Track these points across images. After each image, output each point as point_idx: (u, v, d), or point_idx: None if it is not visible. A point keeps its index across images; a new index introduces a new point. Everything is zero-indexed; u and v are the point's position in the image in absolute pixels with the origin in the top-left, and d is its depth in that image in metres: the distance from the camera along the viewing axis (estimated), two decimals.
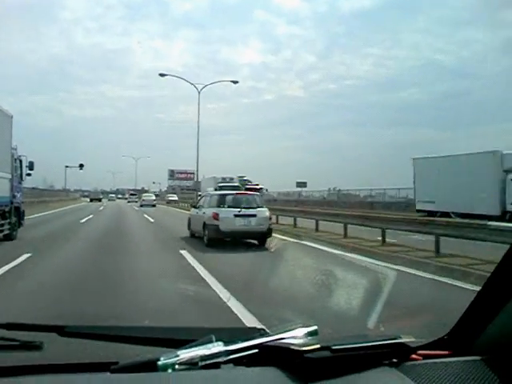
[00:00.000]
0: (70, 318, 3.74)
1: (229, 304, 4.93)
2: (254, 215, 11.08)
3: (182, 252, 9.58)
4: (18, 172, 13.53)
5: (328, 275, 6.39)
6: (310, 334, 1.20)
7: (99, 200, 61.80)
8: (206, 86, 36.72)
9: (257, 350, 1.10)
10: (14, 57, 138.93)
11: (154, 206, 42.98)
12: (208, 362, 1.06)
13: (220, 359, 1.07)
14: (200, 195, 40.08)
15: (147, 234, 15.17)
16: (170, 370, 1.03)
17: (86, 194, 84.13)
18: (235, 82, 37.12)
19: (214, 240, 10.86)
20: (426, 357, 1.18)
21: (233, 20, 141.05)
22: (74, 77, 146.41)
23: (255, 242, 11.19)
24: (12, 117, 12.49)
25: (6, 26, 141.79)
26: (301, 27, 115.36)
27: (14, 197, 12.53)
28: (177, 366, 1.04)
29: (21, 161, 13.85)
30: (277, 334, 1.18)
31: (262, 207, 11.73)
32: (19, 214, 13.51)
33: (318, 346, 1.07)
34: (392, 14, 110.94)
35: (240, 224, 10.90)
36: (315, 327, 1.23)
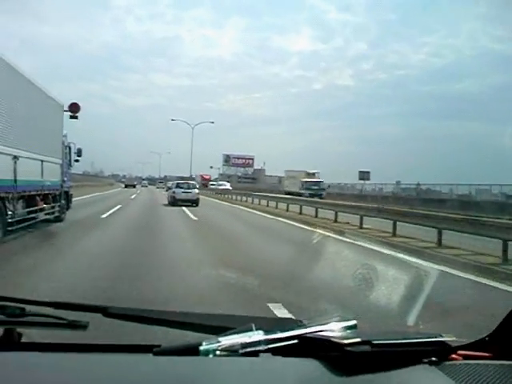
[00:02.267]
0: (115, 299, 3.91)
1: None
2: (191, 192, 24.61)
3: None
4: (68, 158, 14.17)
5: None
6: (349, 327, 1.20)
7: (133, 186, 63.15)
8: (197, 124, 54.69)
9: (296, 341, 1.11)
10: (68, 45, 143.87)
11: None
12: (248, 349, 1.07)
13: (259, 347, 1.08)
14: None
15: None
16: (211, 356, 1.05)
17: (122, 180, 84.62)
18: (212, 122, 58.53)
19: (173, 203, 23.59)
20: (466, 357, 1.16)
21: (283, 7, 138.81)
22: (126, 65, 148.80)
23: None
24: (63, 106, 13.04)
25: (58, 14, 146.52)
26: (352, 14, 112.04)
27: (63, 181, 13.14)
28: (218, 352, 1.06)
29: (70, 148, 14.47)
30: (315, 326, 1.19)
31: (194, 188, 25.49)
32: (68, 197, 14.23)
33: (359, 339, 1.06)
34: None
35: (184, 195, 24.22)
36: (354, 321, 1.22)
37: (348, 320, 1.23)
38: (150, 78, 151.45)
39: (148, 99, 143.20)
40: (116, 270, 6.27)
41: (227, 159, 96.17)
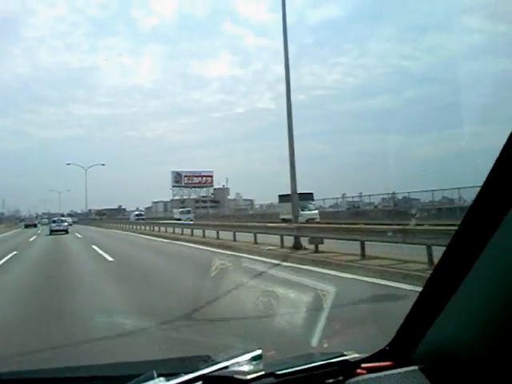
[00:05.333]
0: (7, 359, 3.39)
1: None
2: (62, 225, 34.75)
3: None
4: None
5: None
6: (254, 358, 1.18)
7: (35, 226, 57.79)
8: (91, 166, 55.83)
9: (201, 382, 1.06)
10: None
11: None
12: None
13: None
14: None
15: None
16: None
17: (22, 219, 76.90)
18: (103, 165, 59.55)
19: (51, 232, 32.75)
20: (370, 370, 1.19)
21: (201, 33, 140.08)
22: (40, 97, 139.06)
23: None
24: None
25: None
26: (269, 38, 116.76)
27: None
28: None
29: None
30: (220, 362, 1.15)
31: (65, 222, 36.30)
32: None
33: (263, 372, 1.04)
34: (359, 22, 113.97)
35: (57, 227, 34.05)
36: (259, 351, 1.20)
37: (253, 351, 1.20)
38: (68, 109, 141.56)
39: (66, 131, 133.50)
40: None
41: (178, 178, 76.25)
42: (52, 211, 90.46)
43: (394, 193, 35.40)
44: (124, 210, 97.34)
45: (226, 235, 17.69)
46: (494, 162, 0.94)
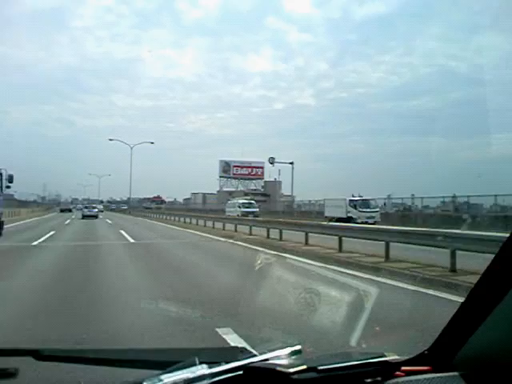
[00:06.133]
0: (46, 339, 3.62)
1: None
2: (93, 210, 40.33)
3: None
4: None
5: None
6: (294, 353, 1.20)
7: (69, 210, 60.76)
8: (136, 144, 53.58)
9: (241, 372, 1.09)
10: (25, 66, 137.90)
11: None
12: None
13: (204, 382, 1.05)
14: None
15: None
16: None
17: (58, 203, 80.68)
18: (152, 143, 57.45)
19: (83, 217, 37.92)
20: (408, 373, 1.19)
21: (244, 27, 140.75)
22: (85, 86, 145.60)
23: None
24: None
25: (16, 34, 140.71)
26: (312, 34, 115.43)
27: None
28: None
29: (1, 174, 13.65)
30: (261, 354, 1.18)
31: (95, 208, 42.10)
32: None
33: (305, 366, 1.07)
34: (406, 20, 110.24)
35: (88, 212, 39.42)
36: (299, 346, 1.23)
37: (292, 346, 1.23)
38: (111, 99, 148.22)
39: (108, 120, 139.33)
40: (46, 304, 5.78)
41: (226, 168, 69.15)
42: (92, 197, 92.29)
43: (454, 196, 31.00)
44: (162, 200, 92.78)
45: (292, 236, 14.46)
46: None
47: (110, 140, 56.47)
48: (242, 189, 69.50)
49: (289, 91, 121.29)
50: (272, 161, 51.72)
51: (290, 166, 47.75)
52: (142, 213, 52.52)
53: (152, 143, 58.80)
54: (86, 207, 43.05)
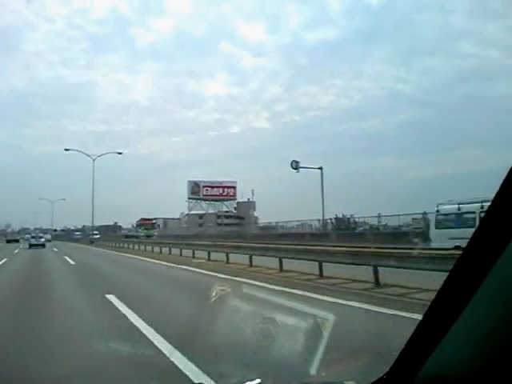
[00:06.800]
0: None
1: None
2: (40, 240, 40.13)
3: None
4: None
5: None
6: None
7: (17, 241, 56.69)
8: (99, 156, 46.82)
9: None
10: None
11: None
12: None
13: None
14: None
15: None
16: None
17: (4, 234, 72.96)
18: (120, 153, 49.02)
19: (30, 246, 38.06)
20: None
21: (198, 52, 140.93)
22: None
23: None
24: None
25: None
26: (266, 59, 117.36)
27: None
28: None
29: None
30: None
31: (42, 238, 41.37)
32: None
33: None
34: (355, 44, 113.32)
35: (35, 241, 39.28)
36: (258, 380, 1.18)
37: (252, 380, 1.18)
38: (63, 124, 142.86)
39: (61, 146, 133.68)
40: None
41: (196, 189, 62.58)
42: (45, 226, 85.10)
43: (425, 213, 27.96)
44: (119, 226, 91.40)
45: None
46: (498, 185, 0.93)
47: (66, 150, 48.91)
48: (213, 211, 64.60)
49: (244, 115, 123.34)
50: (296, 166, 44.06)
51: (319, 171, 42.39)
52: (113, 243, 40.03)
53: (120, 153, 50.44)
54: (32, 237, 42.94)
